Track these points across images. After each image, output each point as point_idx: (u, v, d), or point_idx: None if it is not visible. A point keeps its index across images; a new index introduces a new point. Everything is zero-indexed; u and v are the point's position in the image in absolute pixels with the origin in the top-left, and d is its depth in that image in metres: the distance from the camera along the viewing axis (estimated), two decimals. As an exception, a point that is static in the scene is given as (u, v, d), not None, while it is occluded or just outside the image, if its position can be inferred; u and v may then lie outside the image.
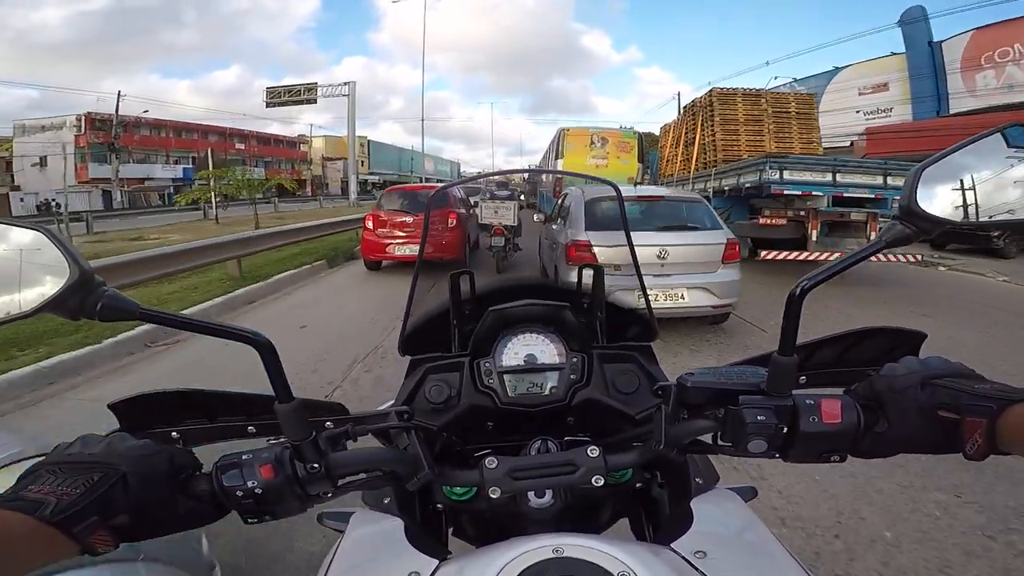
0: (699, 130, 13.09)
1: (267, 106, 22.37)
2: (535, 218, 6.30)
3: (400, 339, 0.77)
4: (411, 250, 7.33)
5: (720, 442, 0.50)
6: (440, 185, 6.33)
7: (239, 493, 0.45)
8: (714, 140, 12.46)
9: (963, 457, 0.43)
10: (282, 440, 0.47)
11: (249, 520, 0.47)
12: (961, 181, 0.44)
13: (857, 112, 20.89)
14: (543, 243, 6.07)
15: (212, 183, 13.51)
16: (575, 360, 0.73)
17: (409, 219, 7.43)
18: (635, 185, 7.92)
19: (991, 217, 0.44)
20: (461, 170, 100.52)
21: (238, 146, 39.74)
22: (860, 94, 21.88)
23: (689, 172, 13.16)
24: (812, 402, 0.46)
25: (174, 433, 0.55)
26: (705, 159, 12.87)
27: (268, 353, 0.44)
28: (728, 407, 0.48)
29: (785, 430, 0.46)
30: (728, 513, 0.56)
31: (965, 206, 0.44)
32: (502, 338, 0.74)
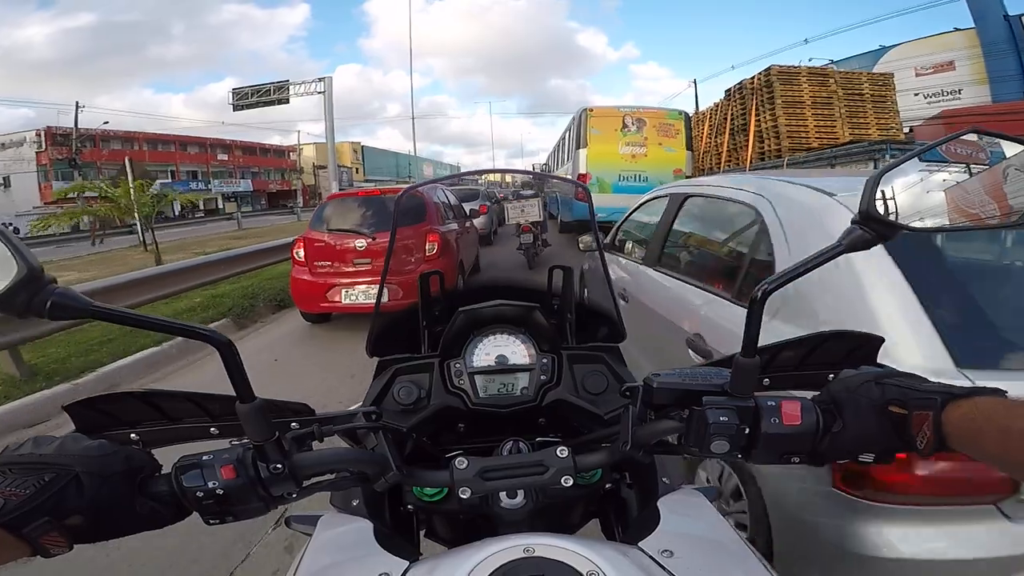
0: (752, 115, 10.53)
1: (234, 109, 19.70)
2: (580, 243, 3.41)
3: (368, 340, 0.77)
4: (369, 295, 4.50)
5: (685, 443, 0.50)
6: (405, 187, 3.63)
7: (199, 494, 0.45)
8: (775, 126, 10.11)
9: (917, 455, 0.44)
10: (245, 441, 0.46)
11: (210, 521, 0.47)
12: (910, 190, 0.45)
13: (916, 95, 17.95)
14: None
15: (130, 201, 10.54)
16: (545, 361, 0.73)
17: (364, 242, 4.57)
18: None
19: (926, 224, 0.46)
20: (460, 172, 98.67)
21: (220, 157, 37.18)
22: (917, 75, 18.89)
23: (744, 163, 10.52)
24: (773, 403, 0.47)
25: (133, 435, 0.52)
26: (763, 148, 10.44)
27: (228, 352, 0.42)
28: (692, 408, 0.49)
29: (747, 431, 0.47)
30: (694, 512, 0.56)
31: (912, 213, 0.46)
32: (472, 339, 0.74)
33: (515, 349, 0.74)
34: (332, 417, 0.54)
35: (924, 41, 19.03)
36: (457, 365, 0.72)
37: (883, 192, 0.44)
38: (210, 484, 0.44)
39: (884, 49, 19.88)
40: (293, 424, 0.52)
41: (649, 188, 3.57)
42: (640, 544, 0.47)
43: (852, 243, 0.45)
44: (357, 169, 55.51)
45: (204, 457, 0.46)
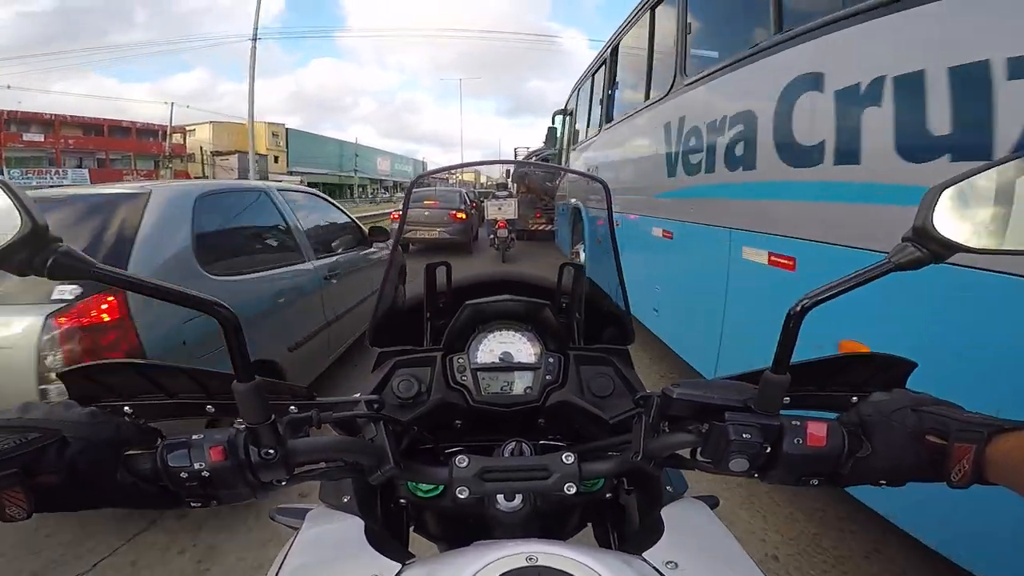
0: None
1: None
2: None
3: (369, 329, 0.74)
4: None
5: (699, 458, 0.49)
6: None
7: (183, 475, 0.43)
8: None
9: (947, 486, 0.43)
10: (239, 422, 0.45)
11: (192, 504, 0.46)
12: (985, 204, 0.41)
13: None
14: None
15: None
16: (551, 360, 0.70)
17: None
18: None
19: (986, 244, 0.41)
20: (427, 170, 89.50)
21: (28, 138, 26.25)
22: None
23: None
24: (799, 423, 0.46)
25: (127, 408, 0.50)
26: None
27: (230, 326, 0.41)
28: (712, 422, 0.47)
29: (768, 450, 0.46)
30: (698, 523, 0.55)
31: (987, 232, 0.41)
32: (477, 334, 0.72)
33: (520, 347, 0.71)
34: (332, 403, 0.53)
35: None
36: (460, 360, 0.70)
37: (943, 207, 0.40)
38: (196, 465, 0.43)
39: None
40: (292, 408, 0.50)
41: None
42: (644, 555, 0.46)
43: (900, 261, 0.41)
44: (277, 157, 44.73)
45: (194, 437, 0.44)
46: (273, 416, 0.44)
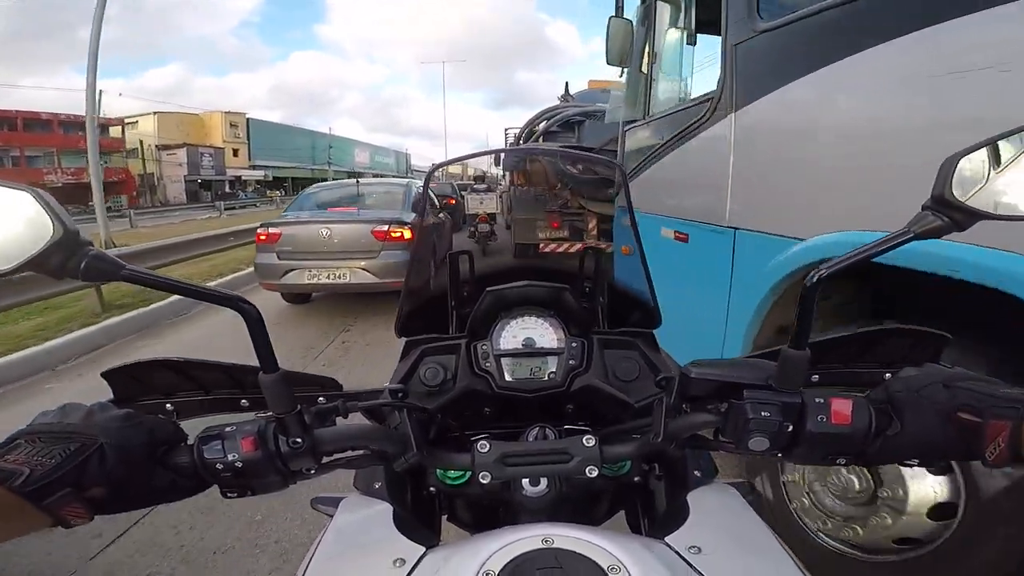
0: None
1: None
2: None
3: (397, 319, 0.75)
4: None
5: (721, 438, 0.49)
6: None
7: (219, 466, 0.44)
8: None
9: (982, 465, 0.42)
10: (269, 413, 0.46)
11: (228, 495, 0.47)
12: (1005, 172, 0.41)
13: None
14: None
15: None
16: (575, 345, 0.71)
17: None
18: None
19: (1008, 212, 0.41)
20: (411, 162, 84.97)
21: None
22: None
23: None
24: (822, 400, 0.45)
25: (168, 405, 0.53)
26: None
27: (253, 321, 0.42)
28: (731, 401, 0.47)
29: (790, 428, 0.45)
30: (725, 508, 0.54)
31: (992, 199, 0.41)
32: (500, 321, 0.73)
33: (543, 332, 0.71)
34: (358, 393, 0.55)
35: None
36: (484, 347, 0.70)
37: (961, 175, 0.40)
38: (230, 456, 0.44)
39: None
40: (320, 399, 0.52)
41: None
42: (667, 539, 0.45)
43: (921, 231, 0.41)
44: (237, 151, 40.47)
45: (226, 429, 0.45)
46: (300, 406, 0.45)
